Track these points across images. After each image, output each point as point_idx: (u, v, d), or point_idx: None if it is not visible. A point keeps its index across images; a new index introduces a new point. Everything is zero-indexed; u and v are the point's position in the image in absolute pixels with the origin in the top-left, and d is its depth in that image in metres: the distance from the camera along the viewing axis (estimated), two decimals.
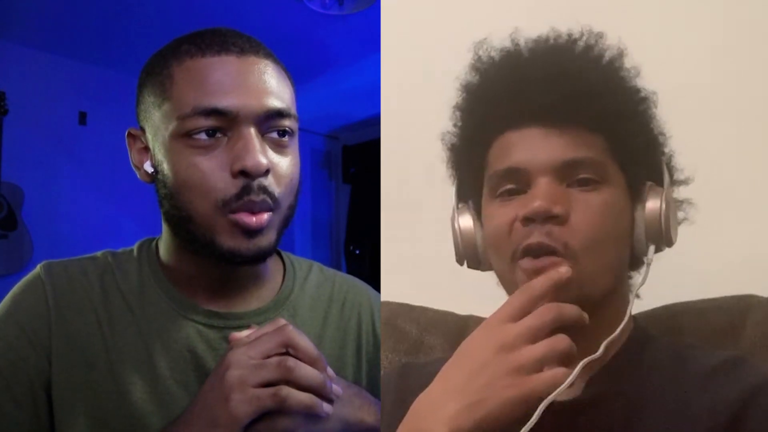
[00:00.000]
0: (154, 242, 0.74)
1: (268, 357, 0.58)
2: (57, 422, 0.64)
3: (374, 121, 3.19)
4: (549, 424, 0.54)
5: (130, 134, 0.70)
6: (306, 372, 0.57)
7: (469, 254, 0.66)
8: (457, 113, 0.67)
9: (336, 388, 0.60)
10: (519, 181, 0.60)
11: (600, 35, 0.63)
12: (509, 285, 0.62)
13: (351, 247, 3.73)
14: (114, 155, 2.55)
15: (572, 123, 0.60)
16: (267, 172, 0.63)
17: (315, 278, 0.79)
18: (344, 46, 2.68)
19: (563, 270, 0.55)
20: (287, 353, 0.58)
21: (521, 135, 0.61)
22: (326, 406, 0.58)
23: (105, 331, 0.66)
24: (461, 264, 0.68)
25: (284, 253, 0.80)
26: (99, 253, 0.73)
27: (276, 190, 0.64)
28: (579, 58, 0.63)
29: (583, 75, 0.61)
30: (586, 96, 0.60)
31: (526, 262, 0.58)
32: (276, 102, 0.64)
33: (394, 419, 0.62)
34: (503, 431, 0.50)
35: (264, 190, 0.63)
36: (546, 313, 0.52)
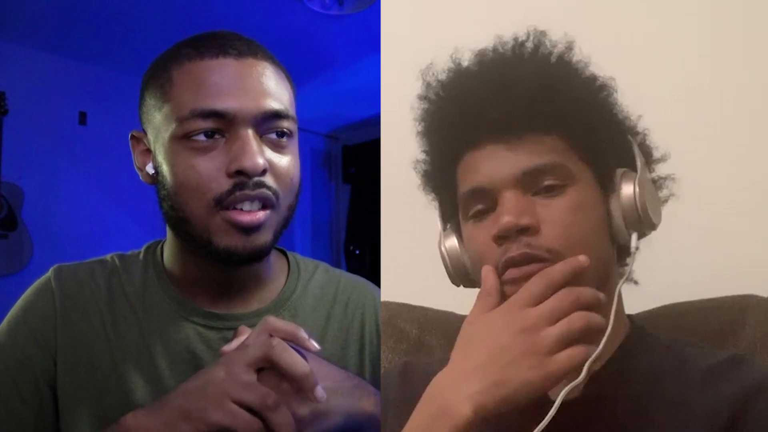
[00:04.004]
0: (160, 244, 0.75)
1: (258, 369, 0.57)
2: (62, 419, 0.66)
3: (374, 121, 3.18)
4: (549, 423, 0.54)
5: (133, 137, 0.71)
6: (284, 418, 0.56)
7: (461, 275, 0.66)
8: (423, 140, 0.67)
9: (328, 423, 0.59)
10: (486, 199, 0.60)
11: (544, 33, 0.63)
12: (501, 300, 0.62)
13: (351, 247, 3.72)
14: (114, 155, 2.55)
15: (527, 131, 0.59)
16: (264, 171, 0.63)
17: (320, 279, 0.79)
18: (344, 46, 2.68)
19: (582, 258, 0.55)
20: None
21: (481, 153, 0.61)
22: None
23: (109, 332, 0.68)
24: (457, 285, 0.67)
25: (290, 254, 0.80)
26: (108, 256, 0.75)
27: (275, 187, 0.65)
28: (527, 62, 0.62)
29: (532, 80, 0.60)
30: (536, 101, 0.59)
31: (512, 272, 0.58)
32: (274, 103, 0.65)
33: (395, 417, 0.62)
34: (520, 410, 0.51)
35: (261, 185, 0.63)
36: (565, 297, 0.53)
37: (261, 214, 0.64)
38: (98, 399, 0.65)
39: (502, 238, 0.58)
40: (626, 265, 0.63)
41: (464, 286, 0.67)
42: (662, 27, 0.81)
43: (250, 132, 0.63)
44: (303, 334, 0.60)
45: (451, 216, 0.67)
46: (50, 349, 0.66)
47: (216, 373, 0.57)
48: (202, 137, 0.63)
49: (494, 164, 0.60)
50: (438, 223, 0.68)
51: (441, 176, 0.66)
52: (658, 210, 0.62)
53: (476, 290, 0.66)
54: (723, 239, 0.78)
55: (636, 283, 0.64)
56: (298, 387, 0.57)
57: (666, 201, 0.65)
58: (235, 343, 0.61)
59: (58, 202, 2.70)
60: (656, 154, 0.65)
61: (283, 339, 0.58)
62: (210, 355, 0.68)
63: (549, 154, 0.59)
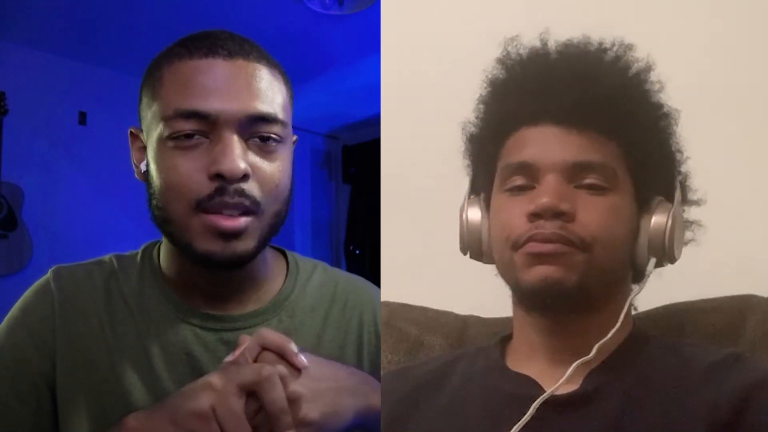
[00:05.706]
0: (157, 245, 0.75)
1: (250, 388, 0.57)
2: (61, 420, 0.66)
3: (374, 121, 3.18)
4: (547, 418, 0.55)
5: (131, 133, 0.71)
6: None
7: (473, 245, 0.67)
8: (480, 106, 0.68)
9: (338, 422, 0.59)
10: (528, 176, 0.61)
11: (630, 47, 0.64)
12: (508, 274, 0.63)
13: (351, 247, 3.73)
14: (114, 155, 2.54)
15: (588, 126, 0.61)
16: (246, 176, 0.62)
17: (318, 278, 0.78)
18: (344, 46, 2.68)
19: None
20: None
21: (537, 131, 0.62)
22: None
23: (107, 334, 0.68)
24: (465, 254, 0.68)
25: (290, 254, 0.79)
26: (106, 257, 0.75)
27: (257, 194, 0.63)
28: (606, 65, 0.63)
29: (607, 81, 0.62)
30: (606, 101, 0.61)
31: (533, 246, 0.59)
32: (261, 106, 0.63)
33: (394, 420, 0.62)
34: None
35: (241, 193, 0.62)
36: None
37: (242, 220, 0.62)
38: (96, 400, 0.65)
39: (537, 215, 0.59)
40: (631, 290, 0.64)
41: (470, 257, 0.68)
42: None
43: (233, 135, 0.62)
44: (293, 348, 0.59)
45: (481, 187, 0.68)
46: (49, 350, 0.66)
47: (212, 384, 0.57)
48: (185, 137, 0.62)
49: (548, 145, 0.61)
50: (466, 190, 0.69)
51: (487, 143, 0.67)
52: (680, 247, 0.64)
53: (481, 267, 0.66)
54: (723, 239, 0.78)
55: (635, 309, 0.66)
56: (274, 420, 0.56)
57: (687, 243, 0.66)
58: (237, 352, 0.60)
59: (58, 202, 2.70)
60: (692, 197, 0.67)
61: (274, 352, 0.59)
62: (207, 356, 0.68)
63: (602, 154, 0.60)
